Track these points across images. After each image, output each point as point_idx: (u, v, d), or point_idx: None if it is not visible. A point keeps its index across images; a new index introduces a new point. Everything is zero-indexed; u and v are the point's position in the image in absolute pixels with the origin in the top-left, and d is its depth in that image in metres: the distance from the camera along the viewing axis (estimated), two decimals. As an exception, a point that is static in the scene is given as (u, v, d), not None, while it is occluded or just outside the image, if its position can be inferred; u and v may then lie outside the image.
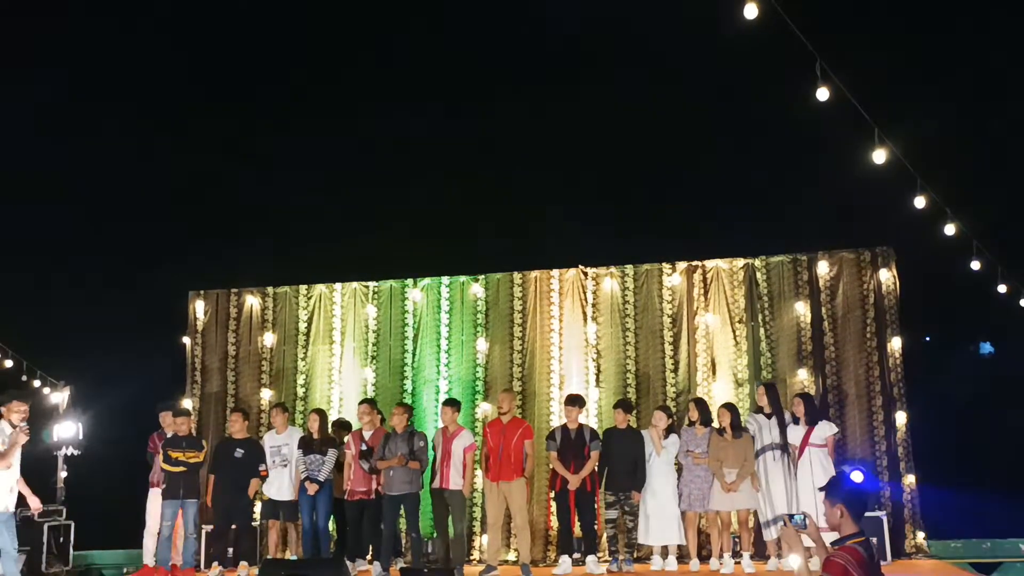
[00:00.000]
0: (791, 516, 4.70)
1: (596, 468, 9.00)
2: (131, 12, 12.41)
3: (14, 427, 7.57)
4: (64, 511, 10.73)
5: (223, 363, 11.20)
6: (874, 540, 9.02)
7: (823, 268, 10.24)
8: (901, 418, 9.81)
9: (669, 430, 9.07)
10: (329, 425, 9.74)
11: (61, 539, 10.46)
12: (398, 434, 8.94)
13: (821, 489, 4.65)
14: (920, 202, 8.78)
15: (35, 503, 7.89)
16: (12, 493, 7.56)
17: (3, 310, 11.87)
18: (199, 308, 11.36)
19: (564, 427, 9.14)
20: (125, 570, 10.07)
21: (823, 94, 7.23)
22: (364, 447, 9.07)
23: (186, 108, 12.77)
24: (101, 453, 11.68)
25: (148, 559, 9.30)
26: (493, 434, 9.14)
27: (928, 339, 12.69)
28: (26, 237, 12.61)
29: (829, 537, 4.66)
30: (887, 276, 10.09)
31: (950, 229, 9.24)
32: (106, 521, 10.99)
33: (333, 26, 12.73)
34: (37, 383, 12.26)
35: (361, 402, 9.64)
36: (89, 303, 12.36)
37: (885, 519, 9.23)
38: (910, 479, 9.70)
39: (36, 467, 11.74)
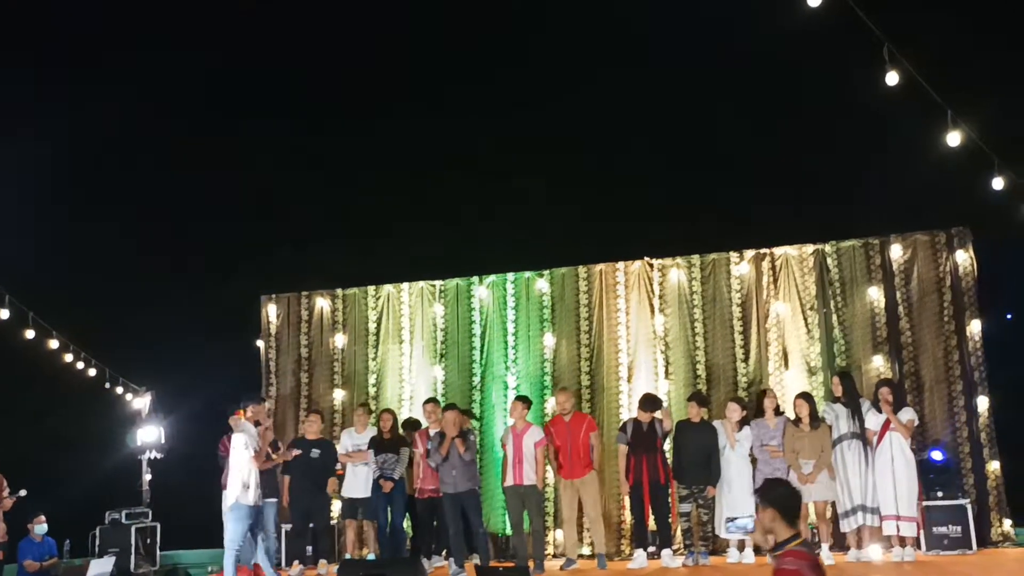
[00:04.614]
0: (733, 520, 4.53)
1: (669, 461, 8.96)
2: (207, 21, 12.59)
3: (260, 426, 8.10)
4: (150, 513, 11.08)
5: (296, 365, 11.40)
6: (958, 528, 8.87)
7: (896, 251, 10.00)
8: (983, 403, 9.55)
9: (743, 422, 8.97)
10: (399, 424, 9.86)
11: (148, 540, 10.82)
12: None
13: (756, 492, 4.41)
14: (998, 182, 8.51)
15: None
16: (252, 489, 7.90)
17: (84, 320, 12.23)
18: (271, 312, 11.59)
19: (635, 420, 9.10)
20: (210, 569, 10.34)
21: (892, 78, 7.05)
22: (431, 445, 9.15)
23: (254, 112, 12.95)
24: (183, 455, 12.01)
25: (230, 558, 9.51)
26: (559, 433, 9.19)
27: (1010, 317, 12.26)
28: (102, 246, 12.94)
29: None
30: (964, 257, 9.81)
31: (1030, 207, 8.93)
32: (189, 522, 11.28)
33: (397, 28, 12.77)
34: (119, 390, 12.65)
35: (426, 401, 9.75)
36: (165, 310, 12.63)
37: (969, 507, 8.99)
38: (994, 465, 9.44)
39: (121, 470, 12.21)
